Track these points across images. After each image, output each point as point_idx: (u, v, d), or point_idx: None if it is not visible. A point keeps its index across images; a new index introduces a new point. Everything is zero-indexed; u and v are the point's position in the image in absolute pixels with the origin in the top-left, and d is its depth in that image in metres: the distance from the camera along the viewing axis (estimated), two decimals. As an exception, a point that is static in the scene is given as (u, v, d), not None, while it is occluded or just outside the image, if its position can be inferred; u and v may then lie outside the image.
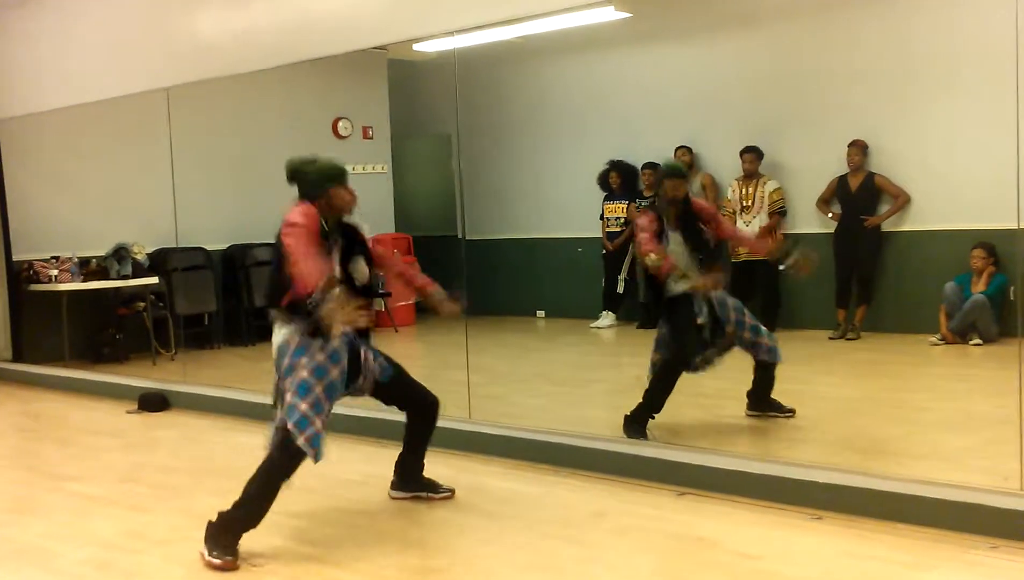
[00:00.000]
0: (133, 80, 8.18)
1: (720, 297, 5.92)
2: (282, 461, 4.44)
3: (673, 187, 5.86)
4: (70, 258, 9.74)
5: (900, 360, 8.33)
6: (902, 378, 7.69)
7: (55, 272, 9.63)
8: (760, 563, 4.04)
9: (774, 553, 4.14)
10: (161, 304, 10.13)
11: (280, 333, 4.52)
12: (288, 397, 4.43)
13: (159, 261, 10.25)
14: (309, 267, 4.29)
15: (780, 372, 6.50)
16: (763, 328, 6.00)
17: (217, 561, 4.23)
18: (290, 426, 4.37)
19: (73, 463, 6.31)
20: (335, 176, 4.76)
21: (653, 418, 5.87)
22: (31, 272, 9.71)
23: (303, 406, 4.38)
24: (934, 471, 4.82)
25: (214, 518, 4.35)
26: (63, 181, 10.04)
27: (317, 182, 4.67)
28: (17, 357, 9.84)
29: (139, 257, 9.95)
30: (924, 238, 8.94)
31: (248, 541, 4.51)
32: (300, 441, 4.36)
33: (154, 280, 9.92)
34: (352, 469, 5.78)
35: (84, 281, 9.69)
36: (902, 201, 8.98)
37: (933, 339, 8.50)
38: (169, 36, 7.91)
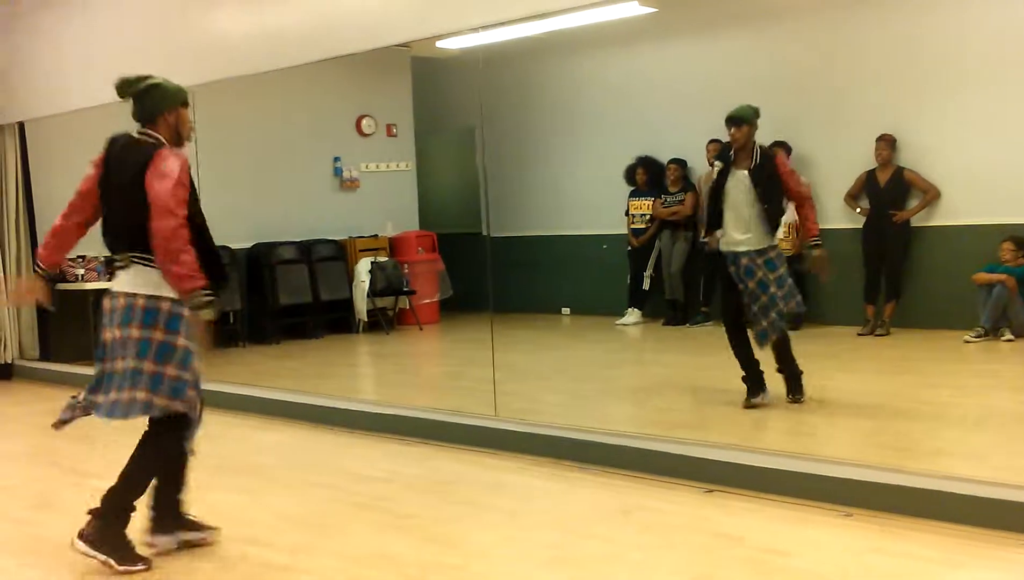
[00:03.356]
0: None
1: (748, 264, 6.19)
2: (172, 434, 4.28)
3: (731, 134, 6.29)
4: (96, 257, 9.78)
5: (929, 356, 8.23)
6: (931, 374, 7.59)
7: (81, 271, 9.68)
8: (789, 560, 3.98)
9: (803, 550, 4.08)
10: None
11: (141, 290, 4.14)
12: (159, 367, 4.12)
13: (184, 260, 10.25)
14: (192, 268, 4.06)
15: (808, 368, 6.46)
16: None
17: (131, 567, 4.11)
18: (164, 400, 4.15)
19: (97, 460, 6.31)
20: (185, 96, 4.35)
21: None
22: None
23: (186, 374, 4.19)
24: (963, 468, 4.74)
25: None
26: (89, 181, 10.07)
27: (174, 96, 4.29)
28: (44, 356, 9.91)
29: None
30: (953, 233, 8.84)
31: (270, 538, 4.51)
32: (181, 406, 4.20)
33: (179, 279, 9.93)
34: (374, 466, 5.77)
35: (110, 280, 9.70)
36: (931, 196, 8.88)
37: (969, 336, 8.33)
38: (193, 35, 7.92)
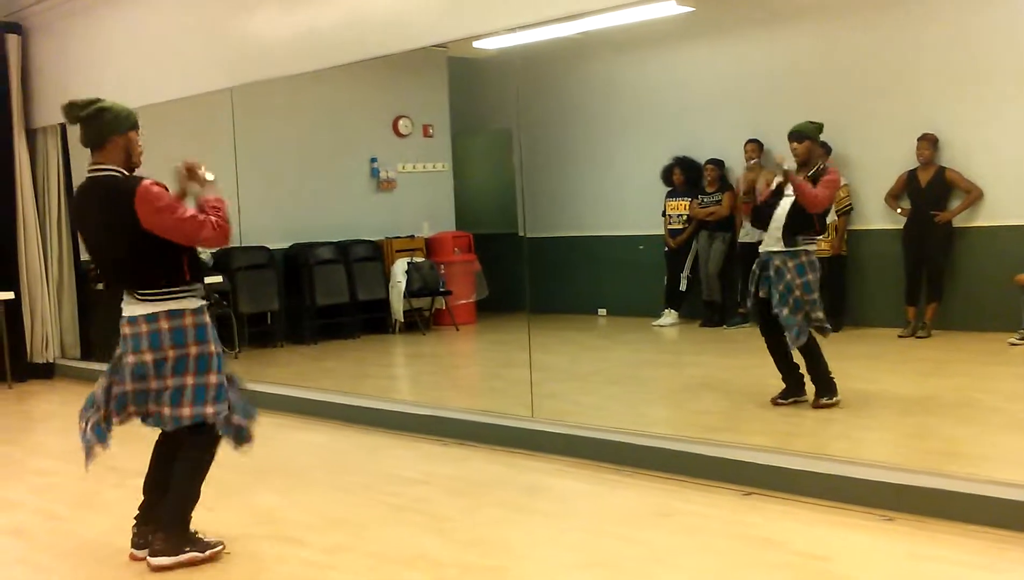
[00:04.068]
0: (196, 81, 8.25)
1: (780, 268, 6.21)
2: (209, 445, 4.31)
3: (792, 148, 6.34)
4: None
5: (971, 359, 8.12)
6: (973, 377, 7.49)
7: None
8: (829, 564, 3.95)
9: (843, 554, 4.05)
10: (225, 303, 10.22)
11: (165, 316, 4.13)
12: (200, 379, 4.16)
13: (223, 260, 10.35)
14: (221, 222, 4.13)
15: (848, 370, 6.41)
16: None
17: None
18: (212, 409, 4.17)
19: (138, 459, 6.33)
20: (135, 120, 4.21)
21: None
22: (99, 272, 9.84)
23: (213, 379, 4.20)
24: (1006, 472, 4.67)
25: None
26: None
27: (124, 120, 4.16)
28: (85, 355, 10.01)
29: (203, 256, 10.04)
30: (996, 233, 8.72)
31: (307, 538, 4.53)
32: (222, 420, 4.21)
33: (218, 279, 10.00)
34: (411, 467, 5.78)
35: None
36: (974, 196, 8.77)
37: (1013, 338, 8.22)
38: (231, 37, 7.97)
